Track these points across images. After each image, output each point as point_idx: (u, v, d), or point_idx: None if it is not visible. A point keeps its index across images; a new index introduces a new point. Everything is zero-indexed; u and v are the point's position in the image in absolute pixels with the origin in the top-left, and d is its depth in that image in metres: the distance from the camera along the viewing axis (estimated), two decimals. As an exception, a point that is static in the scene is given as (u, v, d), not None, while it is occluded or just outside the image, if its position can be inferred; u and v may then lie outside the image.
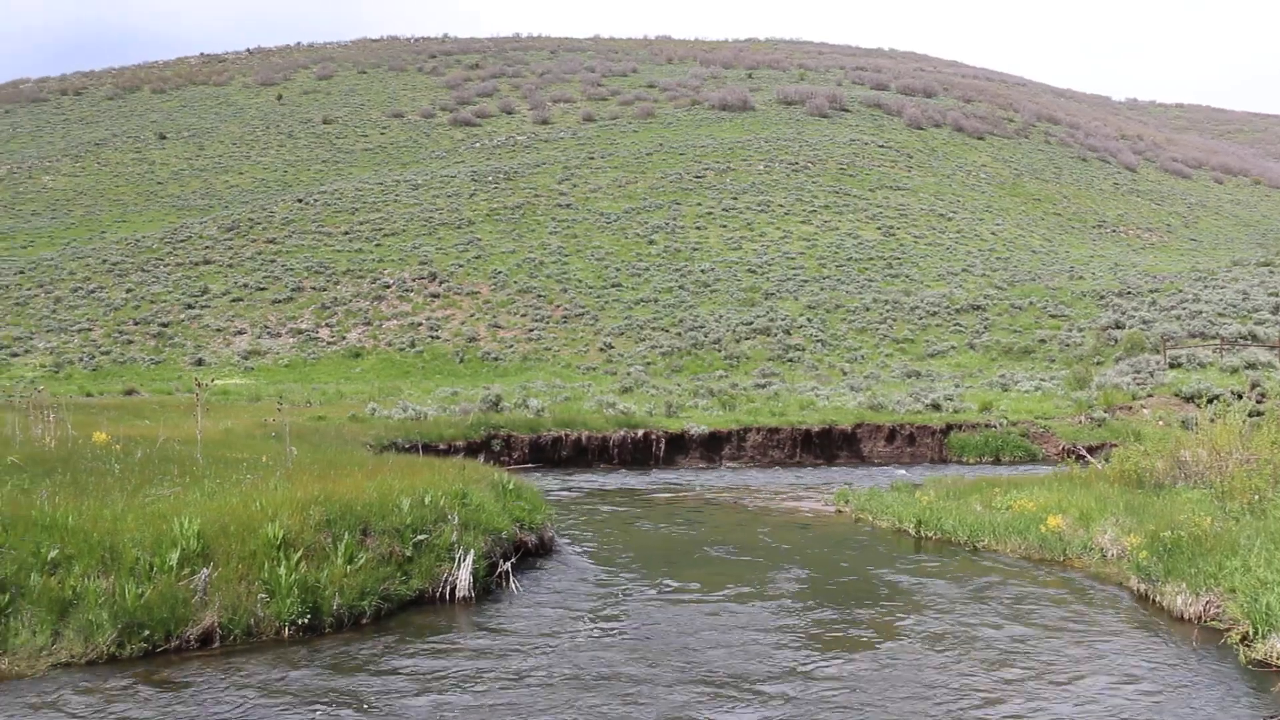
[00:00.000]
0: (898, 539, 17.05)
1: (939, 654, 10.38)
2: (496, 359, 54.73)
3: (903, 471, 27.69)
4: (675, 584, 13.43)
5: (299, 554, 11.10)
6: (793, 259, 68.37)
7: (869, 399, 34.28)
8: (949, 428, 31.81)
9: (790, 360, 51.68)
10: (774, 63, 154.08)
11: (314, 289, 65.22)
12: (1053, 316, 56.98)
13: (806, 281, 63.98)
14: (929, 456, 31.20)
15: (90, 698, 8.72)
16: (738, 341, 54.40)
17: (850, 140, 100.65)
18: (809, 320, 56.99)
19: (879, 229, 75.57)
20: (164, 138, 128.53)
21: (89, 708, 8.51)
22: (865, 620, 11.68)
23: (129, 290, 66.57)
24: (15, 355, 57.18)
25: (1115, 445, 23.13)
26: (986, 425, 31.69)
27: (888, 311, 58.20)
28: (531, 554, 14.90)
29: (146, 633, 9.81)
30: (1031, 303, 58.97)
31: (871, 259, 68.82)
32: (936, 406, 33.49)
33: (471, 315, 60.74)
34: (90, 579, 10.09)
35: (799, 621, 11.58)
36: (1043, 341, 52.91)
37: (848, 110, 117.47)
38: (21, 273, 71.75)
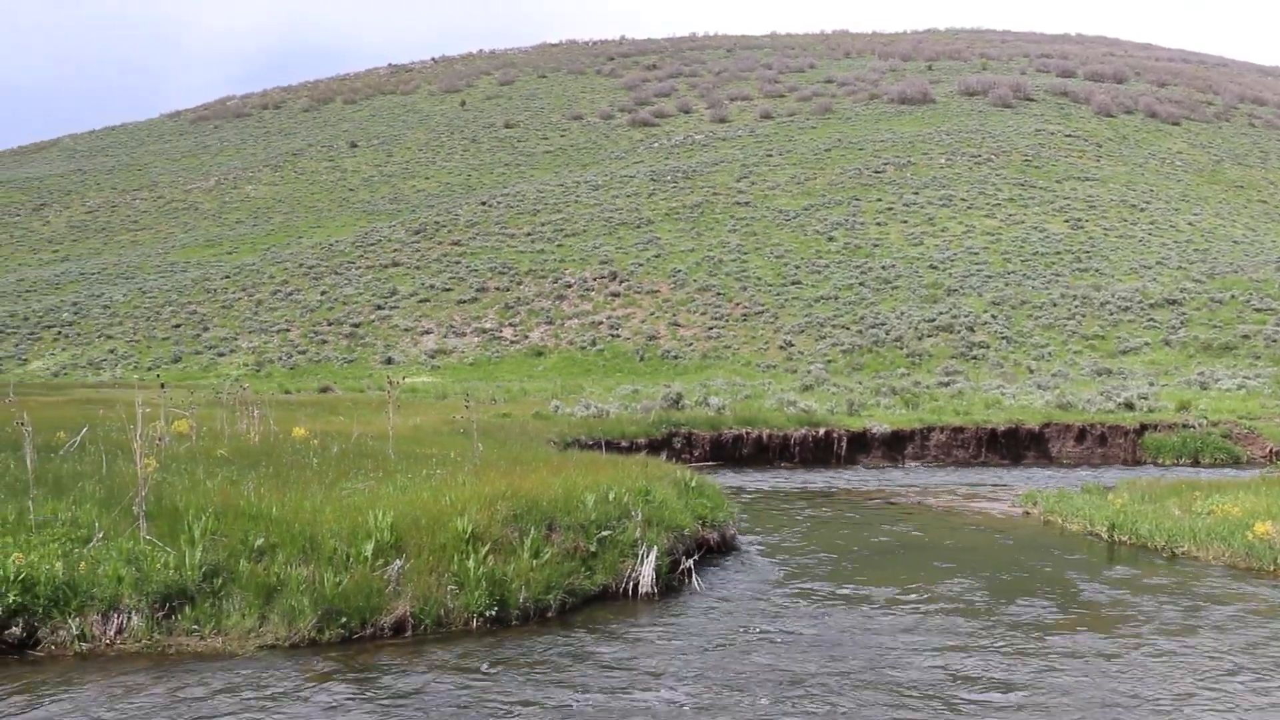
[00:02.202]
0: (1089, 543, 16.51)
1: (1135, 666, 10.03)
2: (676, 357, 55.07)
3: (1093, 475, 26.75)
4: (858, 585, 13.32)
5: (487, 548, 11.45)
6: (976, 254, 66.66)
7: (1057, 398, 33.22)
8: (1143, 428, 30.58)
9: (974, 358, 50.45)
10: (954, 53, 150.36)
11: (498, 289, 66.82)
12: (1258, 310, 54.03)
13: (990, 277, 62.29)
14: (1121, 458, 30.05)
15: (293, 678, 9.20)
16: (920, 339, 53.38)
17: (1035, 130, 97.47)
18: (993, 317, 55.49)
19: (1066, 221, 72.99)
20: (355, 146, 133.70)
21: (293, 688, 8.98)
22: (1054, 626, 11.36)
23: (323, 292, 69.49)
24: (222, 355, 60.43)
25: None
26: (1184, 425, 30.32)
27: (1076, 307, 56.19)
28: (713, 551, 15.00)
29: (344, 619, 10.30)
30: (1233, 296, 56.04)
31: (1059, 253, 66.53)
32: (1129, 406, 32.23)
33: (651, 314, 61.26)
34: (292, 567, 10.65)
35: (985, 626, 11.35)
36: (1246, 337, 50.23)
37: (1032, 99, 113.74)
38: (227, 277, 75.69)
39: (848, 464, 29.01)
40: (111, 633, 9.85)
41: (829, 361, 51.50)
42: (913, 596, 12.73)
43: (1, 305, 79.55)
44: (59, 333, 67.64)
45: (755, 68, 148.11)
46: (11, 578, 9.74)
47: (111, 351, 62.84)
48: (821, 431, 29.42)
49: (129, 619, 9.92)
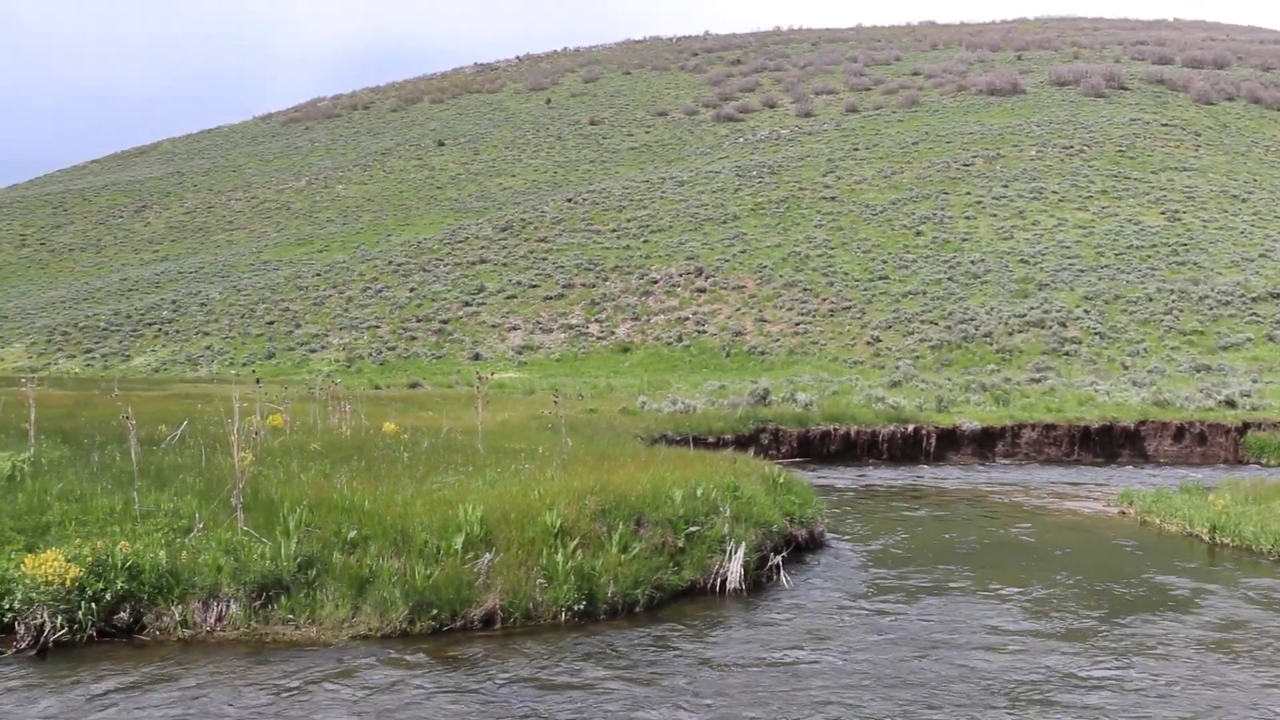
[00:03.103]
0: (1188, 544, 16.12)
1: (1233, 672, 9.78)
2: (762, 353, 54.88)
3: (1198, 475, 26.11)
4: (948, 583, 13.18)
5: (575, 542, 11.53)
6: (1068, 248, 65.37)
7: (1153, 395, 32.46)
8: (1245, 426, 29.74)
9: (1066, 354, 49.50)
10: (1045, 42, 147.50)
11: (584, 285, 67.14)
12: (1366, 304, 52.28)
13: (1083, 271, 61.03)
14: (1222, 457, 29.26)
15: (386, 669, 9.36)
16: (1010, 334, 52.52)
17: (1130, 120, 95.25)
18: (1086, 312, 54.39)
19: (1163, 213, 71.23)
20: (442, 145, 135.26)
21: (385, 677, 9.14)
22: (1149, 629, 11.13)
23: (412, 289, 70.42)
24: (313, 351, 61.57)
25: None
26: (1290, 424, 29.44)
27: (1173, 302, 54.83)
28: (801, 548, 14.94)
29: (434, 611, 10.46)
30: (1341, 289, 54.26)
31: (1155, 246, 64.95)
32: (1230, 403, 31.36)
33: (737, 309, 61.10)
34: (384, 559, 10.85)
35: (1076, 626, 11.16)
36: (1355, 332, 48.64)
37: (1126, 88, 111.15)
38: (319, 275, 77.07)
39: (937, 461, 28.67)
40: (212, 620, 10.13)
41: (917, 358, 50.90)
42: (1004, 595, 12.56)
43: (106, 304, 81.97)
44: (159, 330, 69.49)
45: (840, 61, 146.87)
46: (119, 565, 10.06)
47: (208, 348, 64.40)
48: (910, 428, 29.11)
49: (228, 607, 10.20)
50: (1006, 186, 77.59)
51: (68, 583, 9.66)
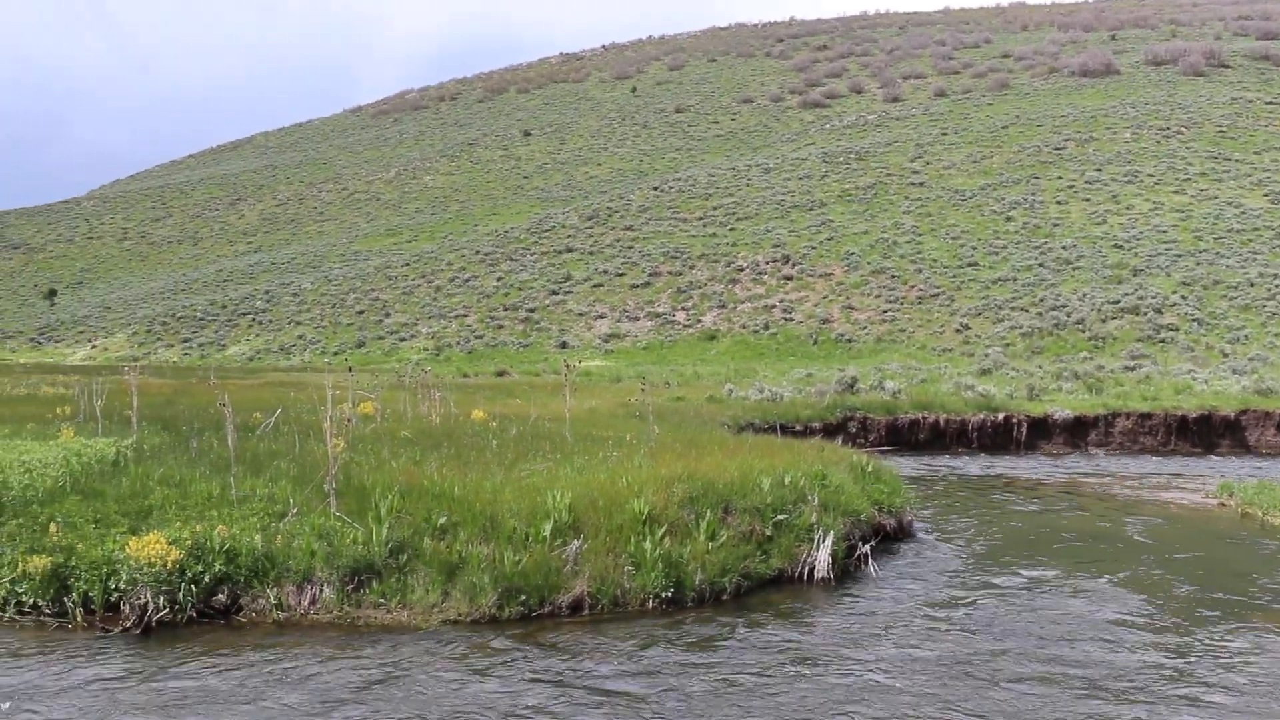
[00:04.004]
0: (1292, 536, 15.67)
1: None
2: (850, 340, 54.43)
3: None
4: (1038, 574, 12.96)
5: (663, 529, 11.55)
6: (1164, 232, 63.73)
7: (1255, 383, 31.54)
8: (1353, 415, 28.79)
9: (1162, 341, 48.30)
10: (1140, 20, 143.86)
11: (670, 273, 67.14)
12: None
13: (1180, 256, 59.47)
14: (1329, 447, 28.37)
15: (476, 653, 9.47)
16: (1103, 321, 51.40)
17: (1231, 99, 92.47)
18: (1183, 298, 53.00)
19: (1266, 196, 69.07)
20: (529, 134, 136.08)
21: (475, 662, 9.25)
22: (1252, 625, 10.83)
23: (499, 279, 71.02)
24: (403, 340, 62.44)
25: None
26: (1402, 412, 28.44)
27: (1277, 287, 53.20)
28: (890, 537, 14.80)
29: (523, 597, 10.56)
30: None
31: (1257, 229, 63.02)
32: (1338, 391, 30.38)
33: (824, 297, 60.66)
34: (473, 545, 10.97)
35: (1174, 621, 10.91)
36: None
37: (1228, 66, 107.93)
38: (408, 265, 78.09)
39: (1027, 450, 28.20)
40: (306, 603, 10.34)
41: (1007, 345, 50.07)
42: (1100, 588, 12.32)
43: (202, 295, 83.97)
44: (253, 320, 71.00)
45: (928, 45, 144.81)
46: (217, 548, 10.33)
47: (300, 337, 65.66)
48: (1000, 416, 28.67)
49: (321, 590, 10.40)
50: (1100, 170, 75.88)
51: (169, 565, 9.94)
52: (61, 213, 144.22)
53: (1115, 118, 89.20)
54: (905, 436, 28.11)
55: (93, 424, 17.75)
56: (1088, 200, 70.77)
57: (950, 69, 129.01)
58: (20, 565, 10.25)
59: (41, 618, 10.13)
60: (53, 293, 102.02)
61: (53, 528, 10.69)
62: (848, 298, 59.95)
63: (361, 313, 68.43)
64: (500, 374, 46.68)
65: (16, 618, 10.15)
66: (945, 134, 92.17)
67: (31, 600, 10.18)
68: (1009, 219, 69.02)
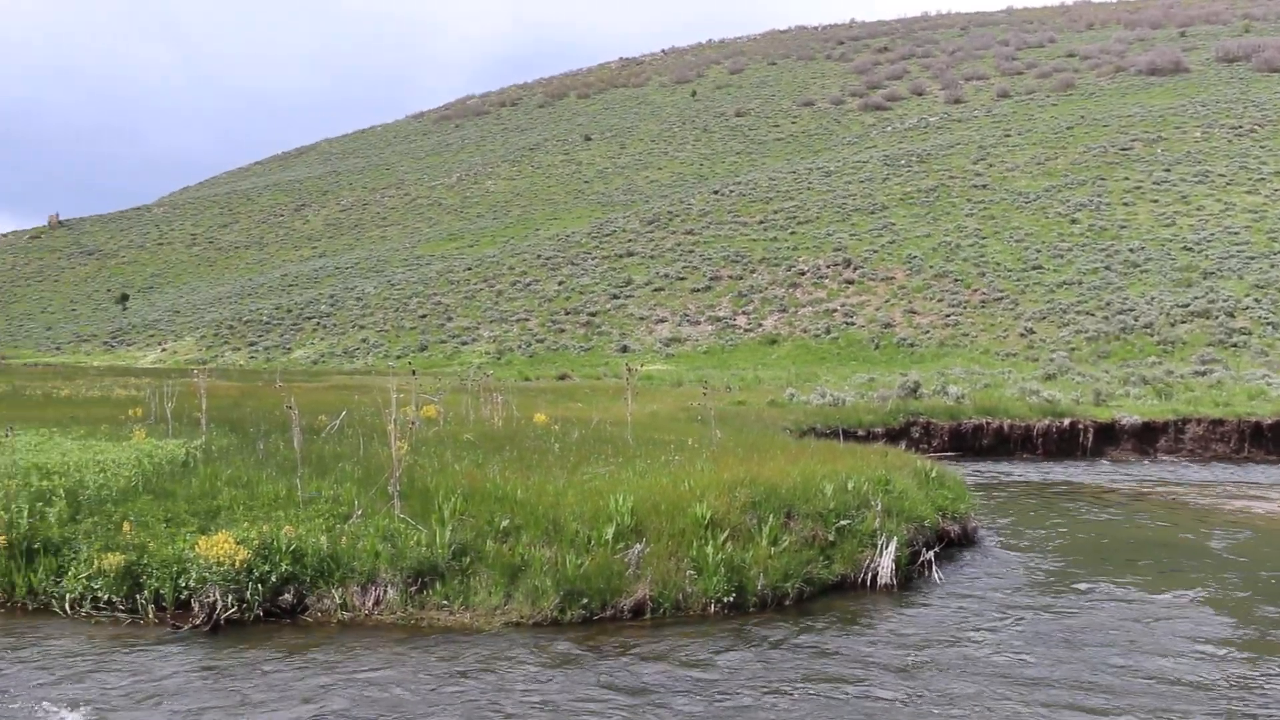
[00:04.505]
0: (1371, 544, 15.29)
1: None
2: (912, 345, 53.99)
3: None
4: (1106, 583, 12.76)
5: (725, 534, 11.52)
6: (1236, 234, 62.48)
7: (1332, 387, 30.84)
8: None
9: (1234, 345, 47.35)
10: (1211, 16, 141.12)
11: (731, 277, 67.03)
12: None
13: (1253, 258, 58.26)
14: None
15: (538, 656, 9.50)
16: (1172, 325, 50.51)
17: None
18: (1256, 301, 51.91)
19: (1342, 197, 67.51)
20: (589, 139, 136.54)
21: (537, 664, 9.29)
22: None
23: (560, 283, 71.32)
24: (465, 344, 62.91)
25: None
26: None
27: (1354, 289, 51.97)
28: (954, 544, 14.66)
29: (585, 601, 10.58)
30: None
31: (1333, 231, 61.62)
32: None
33: (886, 301, 60.23)
34: (536, 548, 11.03)
35: (1248, 633, 10.66)
36: None
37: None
38: (469, 269, 78.67)
39: (1094, 456, 27.78)
40: (370, 604, 10.46)
41: (1072, 349, 49.38)
42: (1170, 597, 12.10)
43: (268, 299, 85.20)
44: (318, 323, 71.91)
45: (991, 45, 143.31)
46: (284, 548, 10.48)
47: (364, 341, 66.39)
48: (1066, 422, 28.26)
49: (385, 592, 10.51)
50: (1168, 171, 74.60)
51: (237, 564, 10.11)
52: (133, 219, 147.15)
53: (1185, 117, 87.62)
54: (969, 442, 27.81)
55: (163, 425, 18.09)
56: (1156, 201, 69.59)
57: (1013, 69, 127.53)
58: (96, 562, 10.49)
59: (116, 614, 10.36)
60: (125, 297, 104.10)
61: (126, 526, 10.92)
62: (910, 302, 59.47)
63: (424, 317, 69.04)
64: (561, 377, 46.88)
65: (92, 613, 10.40)
66: (1008, 135, 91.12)
67: (106, 596, 10.42)
68: (1074, 221, 68.07)
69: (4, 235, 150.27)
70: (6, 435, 16.67)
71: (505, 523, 11.30)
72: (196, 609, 10.16)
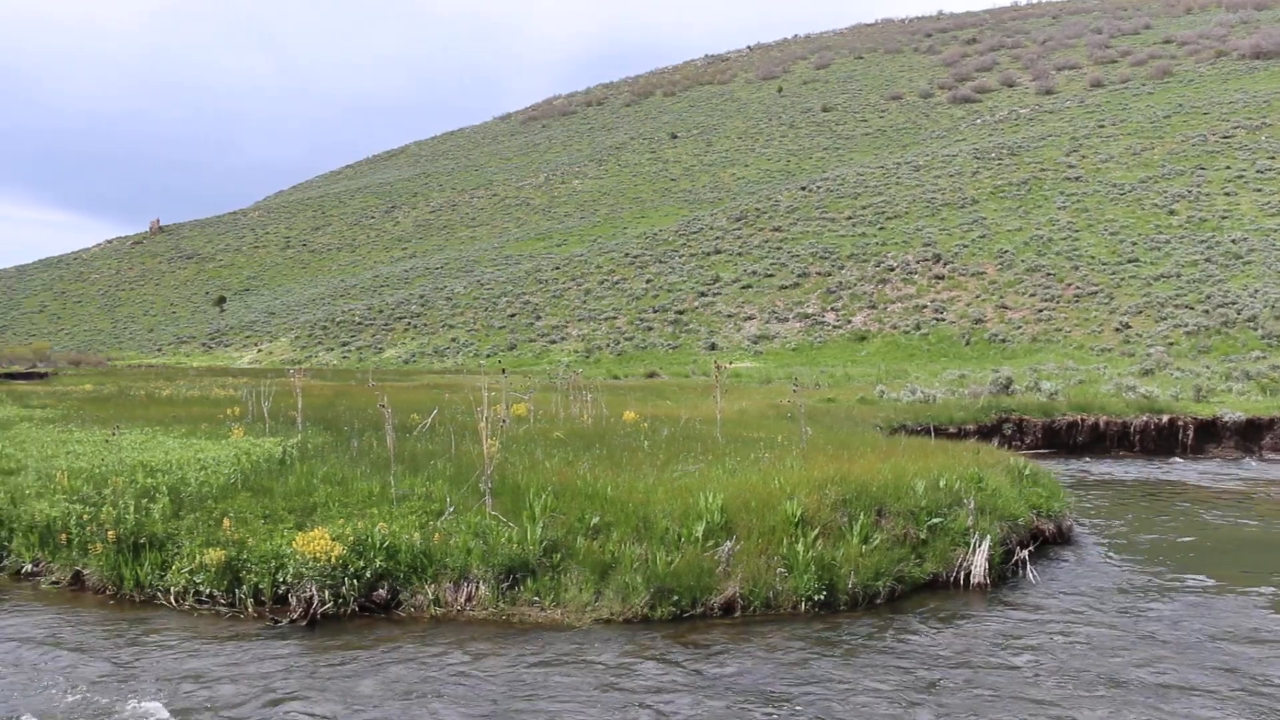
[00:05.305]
0: None
1: None
2: (1003, 340, 53.13)
3: None
4: (1208, 584, 12.42)
5: (816, 532, 11.44)
6: (1345, 223, 60.46)
7: None
8: None
9: (1343, 337, 45.83)
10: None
11: (819, 274, 66.58)
12: None
13: (1363, 248, 56.34)
14: None
15: (629, 653, 9.52)
16: (1278, 318, 49.03)
17: None
18: (1367, 292, 50.20)
19: None
20: (675, 137, 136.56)
21: (627, 661, 9.30)
22: None
23: (648, 281, 71.44)
24: (553, 342, 63.36)
25: None
26: None
27: None
28: (1049, 542, 14.40)
29: (675, 598, 10.57)
30: None
31: None
32: None
33: (977, 296, 59.35)
34: (626, 545, 11.04)
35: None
36: None
37: None
38: (558, 268, 79.19)
39: (1195, 454, 27.06)
40: (462, 599, 10.58)
41: (1170, 344, 48.18)
42: (1273, 599, 11.75)
43: (360, 300, 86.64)
44: (409, 323, 72.95)
45: (1084, 33, 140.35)
46: (378, 545, 10.66)
47: (454, 340, 67.21)
48: (1164, 419, 27.58)
49: (477, 588, 10.62)
50: (1274, 159, 72.37)
51: (333, 560, 10.31)
52: (229, 224, 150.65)
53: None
54: (1063, 439, 27.29)
55: (260, 424, 18.50)
56: (1259, 191, 67.57)
57: (1107, 58, 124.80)
58: (198, 557, 10.78)
59: (217, 607, 10.63)
60: (222, 299, 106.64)
61: (226, 522, 11.20)
62: (1001, 297, 58.53)
63: (513, 316, 69.66)
64: (650, 375, 46.98)
65: (195, 606, 10.68)
66: (1102, 126, 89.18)
67: (208, 590, 10.71)
68: (1172, 212, 66.39)
69: (109, 241, 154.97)
70: (114, 434, 17.20)
71: (595, 520, 11.35)
72: (294, 603, 10.38)
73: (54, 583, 11.73)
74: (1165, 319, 51.77)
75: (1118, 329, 52.05)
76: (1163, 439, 27.42)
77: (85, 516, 11.69)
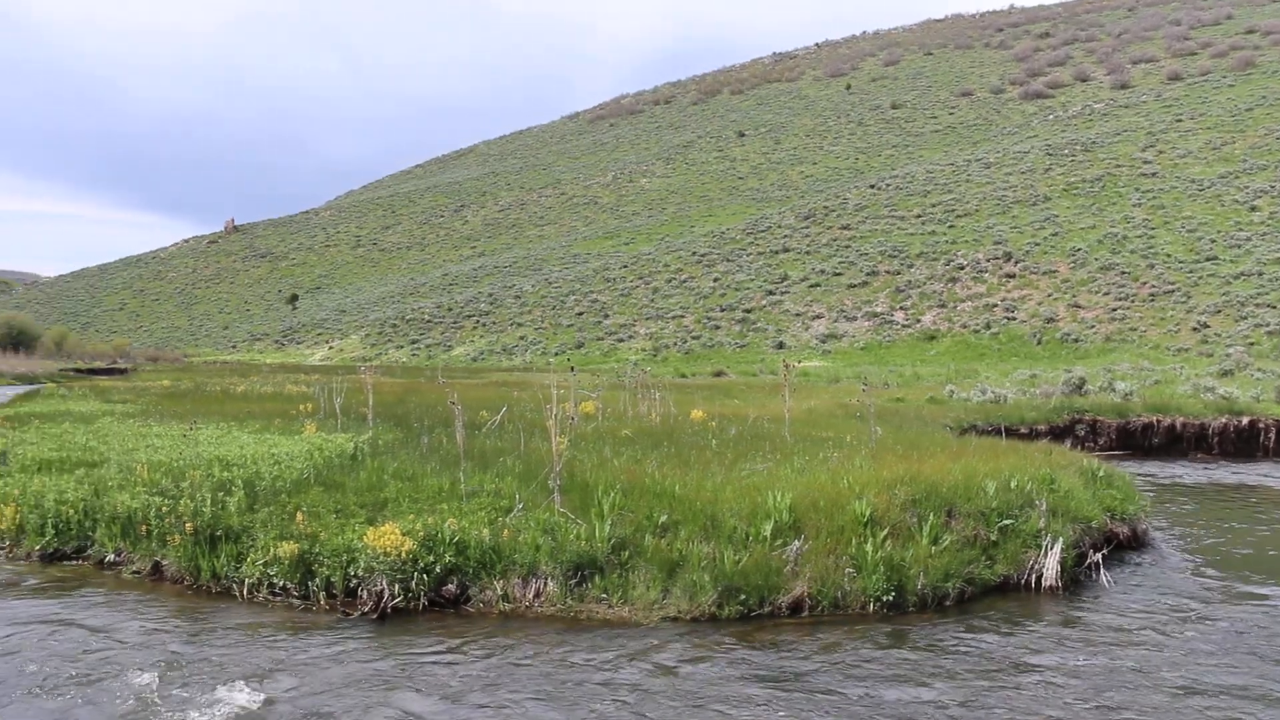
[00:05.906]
0: None
1: None
2: (1076, 340, 52.31)
3: None
4: (1294, 590, 12.11)
5: (885, 532, 11.34)
6: None
7: None
8: None
9: None
10: None
11: (888, 273, 66.06)
12: None
13: None
14: None
15: (695, 651, 9.51)
16: (1363, 317, 47.77)
17: None
18: None
19: None
20: (743, 135, 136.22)
21: (695, 660, 9.29)
22: None
23: (715, 279, 71.36)
24: (621, 340, 63.52)
25: None
26: None
27: None
28: (1123, 546, 14.13)
29: (743, 597, 10.54)
30: None
31: None
32: None
33: (1049, 295, 58.51)
34: (694, 544, 11.04)
35: None
36: None
37: None
38: (625, 267, 79.38)
39: (1276, 457, 26.43)
40: (530, 596, 10.64)
41: (1251, 344, 47.12)
42: (1359, 601, 11.45)
43: (429, 298, 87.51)
44: (477, 321, 73.55)
45: (1160, 25, 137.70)
46: (448, 540, 10.76)
47: (522, 338, 67.64)
48: (1245, 420, 26.96)
49: (546, 584, 10.67)
50: (1358, 155, 70.56)
51: (403, 554, 10.43)
52: (301, 223, 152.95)
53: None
54: (1138, 440, 26.80)
55: (332, 420, 18.77)
56: (1343, 188, 65.88)
57: (1185, 50, 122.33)
58: (271, 550, 10.97)
59: (290, 599, 10.81)
60: (294, 297, 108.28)
61: (299, 516, 11.38)
62: (1074, 295, 57.64)
63: (581, 314, 69.95)
64: (717, 374, 46.92)
65: (269, 598, 10.87)
66: (1180, 120, 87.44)
67: (281, 583, 10.88)
68: (1253, 209, 64.90)
69: (185, 240, 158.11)
70: (191, 429, 17.55)
71: (663, 518, 11.36)
72: (365, 597, 10.52)
73: (135, 572, 12.01)
74: (1245, 318, 50.65)
75: (1195, 328, 51.02)
76: (1243, 441, 26.81)
77: (164, 508, 11.95)
